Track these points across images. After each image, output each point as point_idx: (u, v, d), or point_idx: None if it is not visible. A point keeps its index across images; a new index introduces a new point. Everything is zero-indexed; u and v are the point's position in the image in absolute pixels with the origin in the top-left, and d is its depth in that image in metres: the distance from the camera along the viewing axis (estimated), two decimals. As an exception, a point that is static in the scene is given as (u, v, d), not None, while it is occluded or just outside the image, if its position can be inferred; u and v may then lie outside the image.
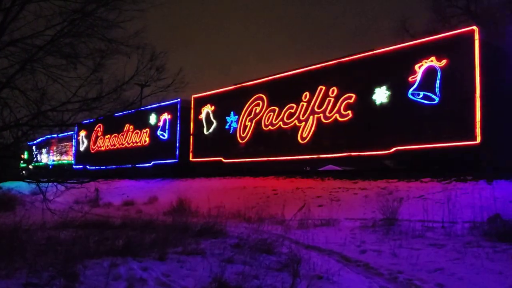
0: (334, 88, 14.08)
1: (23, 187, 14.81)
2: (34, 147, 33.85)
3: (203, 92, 19.89)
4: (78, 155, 29.35)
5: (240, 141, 17.29)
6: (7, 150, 7.77)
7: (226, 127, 18.03)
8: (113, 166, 24.32)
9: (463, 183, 10.37)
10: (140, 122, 23.05)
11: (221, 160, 18.11)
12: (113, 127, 25.27)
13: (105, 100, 7.93)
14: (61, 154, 31.13)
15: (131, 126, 23.91)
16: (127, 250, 5.34)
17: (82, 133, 28.77)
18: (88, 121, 24.29)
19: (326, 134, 14.38)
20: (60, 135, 29.70)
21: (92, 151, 27.35)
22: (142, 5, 7.63)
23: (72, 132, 29.24)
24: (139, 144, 23.22)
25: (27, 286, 3.93)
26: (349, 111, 13.65)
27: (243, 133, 17.21)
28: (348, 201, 10.78)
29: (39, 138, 26.83)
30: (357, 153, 13.41)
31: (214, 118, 18.81)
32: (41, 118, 7.78)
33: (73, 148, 30.14)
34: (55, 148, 31.94)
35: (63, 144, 31.40)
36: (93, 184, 11.41)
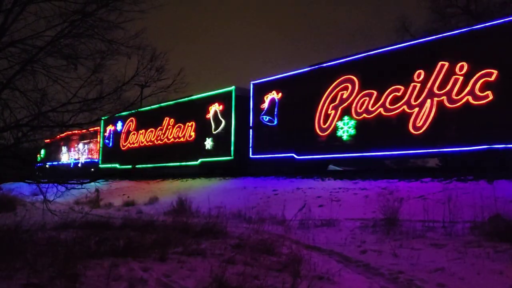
0: (463, 63, 11.20)
1: (23, 187, 14.80)
2: (52, 145, 30.95)
3: (265, 77, 17.05)
4: (105, 153, 25.98)
5: (320, 133, 14.32)
6: (8, 151, 7.77)
7: (300, 116, 15.07)
8: (150, 165, 21.82)
9: (463, 183, 10.37)
10: (183, 115, 20.26)
11: (292, 156, 15.18)
12: (149, 121, 22.27)
13: (106, 100, 7.95)
14: (84, 152, 28.40)
15: (172, 120, 21.02)
16: (128, 251, 5.34)
17: (110, 128, 25.64)
18: (120, 114, 22.12)
19: (453, 122, 11.44)
20: (82, 131, 27.05)
21: (122, 148, 24.29)
22: (142, 6, 7.66)
23: (97, 128, 26.32)
24: (182, 139, 20.24)
25: (27, 286, 3.93)
26: (488, 92, 10.80)
27: (324, 124, 14.24)
28: (349, 201, 10.77)
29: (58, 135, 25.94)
30: (504, 146, 10.51)
31: (282, 106, 15.84)
32: (42, 119, 7.80)
33: (99, 146, 26.95)
34: (76, 145, 29.36)
35: (85, 141, 28.61)
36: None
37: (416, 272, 4.93)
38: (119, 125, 24.86)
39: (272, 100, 16.24)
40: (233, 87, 17.92)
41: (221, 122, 18.23)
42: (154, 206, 13.61)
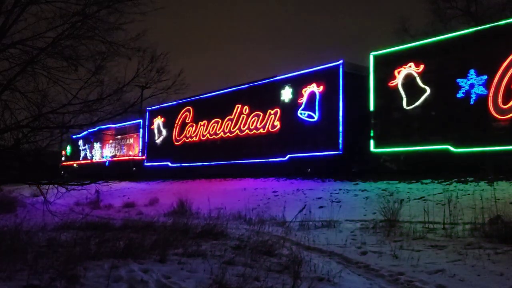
0: None
1: (24, 188, 14.80)
2: (81, 141, 29.09)
3: (393, 46, 13.45)
4: (151, 149, 22.53)
5: (498, 116, 10.86)
6: (8, 152, 7.77)
7: (459, 95, 11.47)
8: (215, 163, 18.64)
9: (464, 185, 10.38)
10: (263, 101, 16.83)
11: (447, 149, 11.51)
12: (212, 109, 19.13)
13: (106, 102, 7.95)
14: (122, 148, 25.19)
15: (246, 107, 17.50)
16: (128, 252, 5.33)
17: (158, 121, 22.38)
18: (170, 103, 19.13)
19: None
20: (118, 125, 24.21)
21: (176, 143, 20.99)
22: (143, 8, 7.66)
23: (138, 121, 23.38)
24: (262, 131, 16.64)
25: (27, 287, 3.93)
26: None
27: (504, 103, 10.75)
28: (349, 203, 10.78)
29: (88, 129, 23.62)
30: None
31: (426, 83, 12.16)
32: (42, 120, 7.80)
33: (141, 141, 23.90)
34: (111, 141, 26.32)
35: (124, 136, 25.21)
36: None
37: (417, 273, 4.93)
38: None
39: (408, 75, 12.54)
40: (340, 61, 14.20)
41: (321, 107, 14.71)
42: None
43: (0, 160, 7.93)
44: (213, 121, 19.14)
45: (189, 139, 20.38)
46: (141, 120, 23.39)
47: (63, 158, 30.79)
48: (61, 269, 4.32)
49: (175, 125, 21.16)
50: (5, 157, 7.92)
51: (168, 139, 21.60)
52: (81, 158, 29.32)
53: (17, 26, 7.37)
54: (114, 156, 25.85)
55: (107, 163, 25.87)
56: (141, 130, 23.67)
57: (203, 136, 19.53)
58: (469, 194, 9.39)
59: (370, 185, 12.23)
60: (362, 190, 11.82)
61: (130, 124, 24.23)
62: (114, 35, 7.87)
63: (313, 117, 14.98)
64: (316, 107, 14.89)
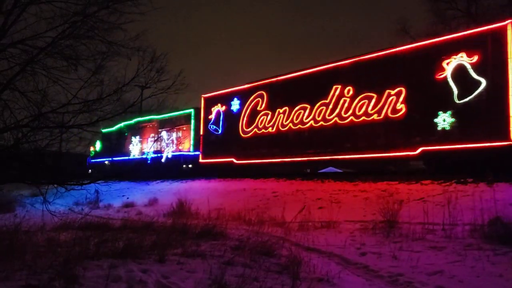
0: None
1: (24, 188, 14.78)
2: (114, 135, 25.35)
3: None
4: (208, 144, 19.08)
5: None
6: (8, 152, 7.77)
7: None
8: (300, 158, 15.30)
9: (463, 186, 10.37)
10: (376, 79, 13.24)
11: None
12: (296, 93, 15.56)
13: (106, 101, 7.97)
14: (169, 142, 21.76)
15: (349, 88, 13.85)
16: (127, 252, 5.33)
17: (218, 109, 18.85)
18: (236, 88, 17.61)
19: None
20: (162, 116, 21.61)
21: (243, 136, 17.45)
22: (142, 8, 7.68)
23: (189, 110, 20.69)
24: (376, 117, 13.09)
25: (26, 287, 3.92)
26: None
27: None
28: (349, 203, 10.78)
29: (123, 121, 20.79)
30: None
31: None
32: (42, 120, 7.81)
33: (193, 134, 20.51)
34: (153, 135, 23.13)
35: (169, 128, 21.91)
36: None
37: (416, 274, 4.92)
38: (234, 104, 18.18)
39: None
40: (508, 21, 10.91)
41: (476, 83, 11.17)
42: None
43: (0, 159, 7.93)
44: (298, 107, 15.41)
45: (263, 130, 16.70)
46: (192, 110, 20.62)
47: (92, 155, 27.73)
48: (60, 269, 4.31)
49: (242, 114, 17.65)
50: (5, 157, 7.92)
51: (232, 131, 18.05)
52: (115, 154, 25.63)
53: (17, 26, 7.40)
54: (158, 151, 22.26)
55: (149, 160, 22.24)
56: (193, 121, 20.57)
57: (283, 126, 15.90)
58: (468, 195, 9.38)
59: (370, 185, 12.20)
60: (362, 191, 11.79)
61: (179, 114, 21.28)
62: (114, 35, 7.92)
63: (462, 97, 11.46)
64: (467, 84, 11.36)
